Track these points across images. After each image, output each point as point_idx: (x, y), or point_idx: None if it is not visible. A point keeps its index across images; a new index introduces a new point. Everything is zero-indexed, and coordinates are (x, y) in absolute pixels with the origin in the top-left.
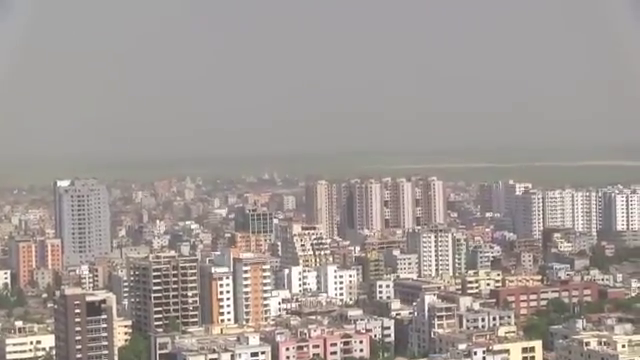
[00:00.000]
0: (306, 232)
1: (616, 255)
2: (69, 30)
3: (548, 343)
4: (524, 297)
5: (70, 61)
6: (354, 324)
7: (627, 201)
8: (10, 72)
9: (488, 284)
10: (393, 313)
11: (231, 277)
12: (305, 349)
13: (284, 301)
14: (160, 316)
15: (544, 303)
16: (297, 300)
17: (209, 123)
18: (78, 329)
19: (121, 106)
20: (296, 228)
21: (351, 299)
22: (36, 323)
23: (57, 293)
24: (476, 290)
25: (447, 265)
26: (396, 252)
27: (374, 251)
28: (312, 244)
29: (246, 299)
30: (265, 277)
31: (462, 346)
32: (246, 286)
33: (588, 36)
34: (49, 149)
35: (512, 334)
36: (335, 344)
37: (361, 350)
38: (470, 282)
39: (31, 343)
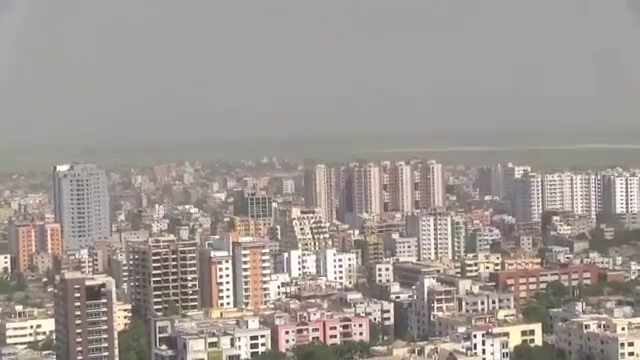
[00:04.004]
0: (305, 216)
1: (615, 238)
2: (68, 17)
3: (548, 326)
4: (523, 280)
5: (69, 47)
6: (353, 307)
7: (626, 184)
8: (10, 58)
9: (487, 267)
10: (392, 296)
11: (230, 261)
12: (305, 333)
13: (283, 285)
14: (160, 300)
15: (543, 286)
16: (296, 284)
17: (208, 107)
18: (78, 313)
19: (120, 91)
20: (295, 212)
21: (350, 283)
22: (36, 307)
23: (57, 277)
24: (475, 273)
25: (446, 248)
26: (395, 235)
27: (373, 234)
28: (311, 228)
29: (245, 283)
30: (264, 261)
31: (461, 329)
32: (245, 270)
33: (587, 20)
34: (48, 134)
35: (511, 317)
36: (335, 327)
37: (361, 333)
38: (469, 265)
39: (31, 327)
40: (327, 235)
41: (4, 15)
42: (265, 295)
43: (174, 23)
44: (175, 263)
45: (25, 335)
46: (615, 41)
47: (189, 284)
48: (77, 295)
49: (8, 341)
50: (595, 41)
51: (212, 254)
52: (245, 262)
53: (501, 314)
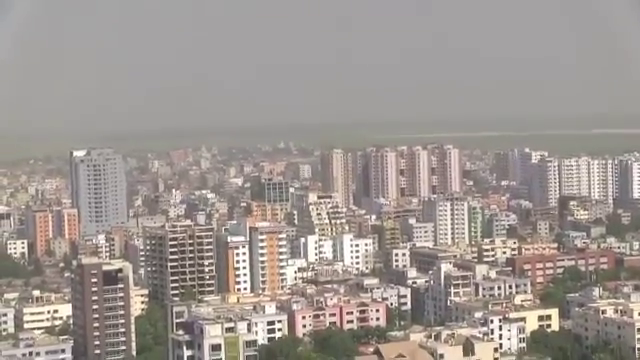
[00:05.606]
0: (322, 201)
1: (632, 223)
2: (84, 6)
3: (564, 311)
4: (540, 265)
5: (85, 33)
6: (370, 293)
7: None
8: (26, 45)
9: (504, 252)
10: (409, 281)
11: (247, 246)
12: (321, 318)
13: (300, 270)
14: (176, 285)
15: (560, 271)
16: (313, 269)
17: (225, 92)
18: (95, 298)
19: (136, 76)
20: (312, 197)
21: (367, 268)
22: (53, 292)
23: (74, 262)
24: (492, 258)
25: (463, 233)
26: (412, 220)
27: (390, 220)
28: (328, 213)
29: (262, 268)
30: (281, 246)
31: (478, 314)
32: (262, 255)
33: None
34: (65, 119)
35: (528, 302)
36: (351, 313)
37: (377, 319)
38: (486, 250)
39: (48, 312)
40: (344, 220)
41: (13, 8)
42: (282, 280)
43: (188, 10)
44: (192, 248)
45: (42, 320)
46: (631, 27)
47: (206, 269)
48: (94, 280)
49: (25, 326)
50: (610, 27)
51: (229, 239)
52: (262, 247)
53: (518, 299)
